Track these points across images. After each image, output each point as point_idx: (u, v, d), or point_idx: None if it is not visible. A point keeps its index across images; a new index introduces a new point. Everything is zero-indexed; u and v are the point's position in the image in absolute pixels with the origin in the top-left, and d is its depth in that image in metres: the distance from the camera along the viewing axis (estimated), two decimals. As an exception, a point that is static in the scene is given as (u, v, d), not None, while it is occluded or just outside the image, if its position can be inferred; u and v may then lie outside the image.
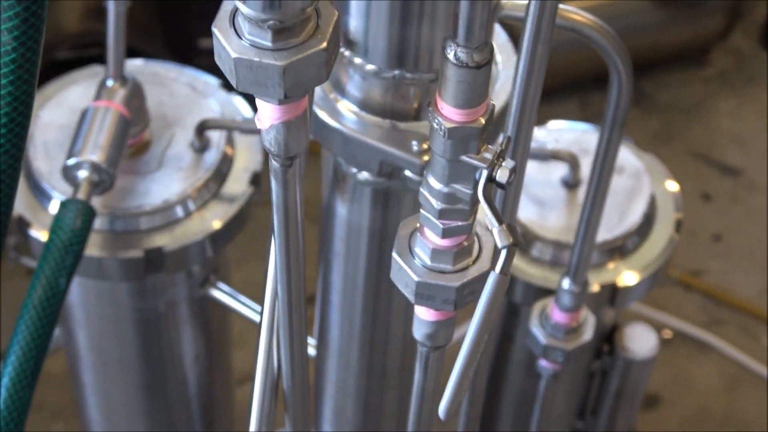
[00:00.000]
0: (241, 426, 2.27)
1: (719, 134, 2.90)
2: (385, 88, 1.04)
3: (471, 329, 0.78)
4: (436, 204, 0.79)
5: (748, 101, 2.98)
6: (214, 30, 0.71)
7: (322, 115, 1.04)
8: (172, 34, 2.68)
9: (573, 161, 1.35)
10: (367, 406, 1.35)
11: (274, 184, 0.80)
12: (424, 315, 0.88)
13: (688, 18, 2.86)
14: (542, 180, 1.36)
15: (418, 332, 0.89)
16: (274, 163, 0.79)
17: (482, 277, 0.83)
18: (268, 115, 0.75)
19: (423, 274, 0.82)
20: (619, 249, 1.35)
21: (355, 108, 1.06)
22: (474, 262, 0.83)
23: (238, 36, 0.70)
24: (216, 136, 1.40)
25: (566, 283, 1.24)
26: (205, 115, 1.40)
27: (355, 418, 1.36)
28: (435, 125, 0.75)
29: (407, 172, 1.05)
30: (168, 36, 2.68)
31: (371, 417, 1.36)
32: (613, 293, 1.35)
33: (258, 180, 1.41)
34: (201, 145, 1.38)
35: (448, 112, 0.75)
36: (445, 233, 0.81)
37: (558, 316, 1.26)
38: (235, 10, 0.71)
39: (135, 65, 1.45)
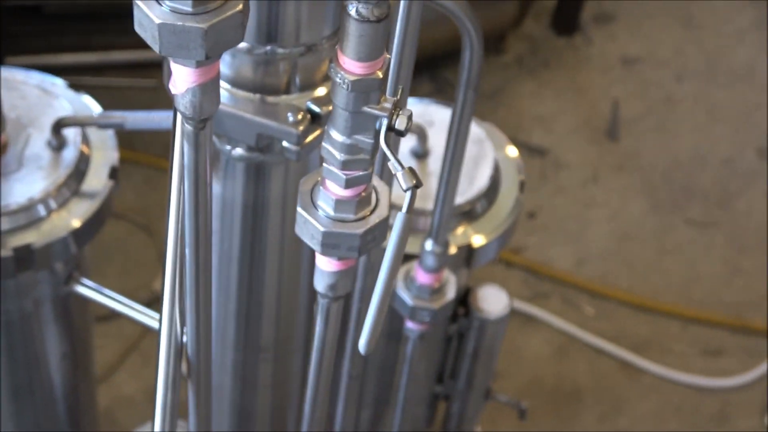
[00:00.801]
0: (107, 426, 2.28)
1: (523, 117, 3.03)
2: (255, 64, 1.10)
3: (384, 266, 0.84)
4: (339, 156, 0.85)
5: (545, 84, 3.12)
6: (137, 2, 0.75)
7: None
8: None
9: (421, 133, 1.42)
10: (245, 380, 1.40)
11: (186, 147, 0.85)
12: (326, 266, 0.93)
13: (483, 7, 2.98)
14: (392, 152, 1.43)
15: (320, 284, 0.95)
16: (187, 127, 0.83)
17: (382, 224, 0.89)
18: (184, 78, 0.79)
19: (328, 225, 0.88)
20: (470, 213, 1.43)
21: (227, 85, 1.11)
22: (373, 210, 0.90)
23: (159, 4, 0.75)
24: (72, 135, 1.42)
25: (429, 245, 1.31)
26: (57, 115, 1.42)
27: (234, 394, 1.40)
28: (338, 80, 0.81)
29: (285, 143, 1.11)
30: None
31: (248, 391, 1.41)
32: (468, 254, 1.42)
33: (116, 174, 1.44)
34: (58, 144, 1.41)
35: (350, 66, 0.81)
36: (348, 183, 0.87)
37: (422, 277, 1.33)
38: (152, -19, 0.75)
39: (-18, 71, 1.46)
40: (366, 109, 0.82)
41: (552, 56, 3.18)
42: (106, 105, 1.49)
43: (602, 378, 2.55)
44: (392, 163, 0.83)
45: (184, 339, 1.02)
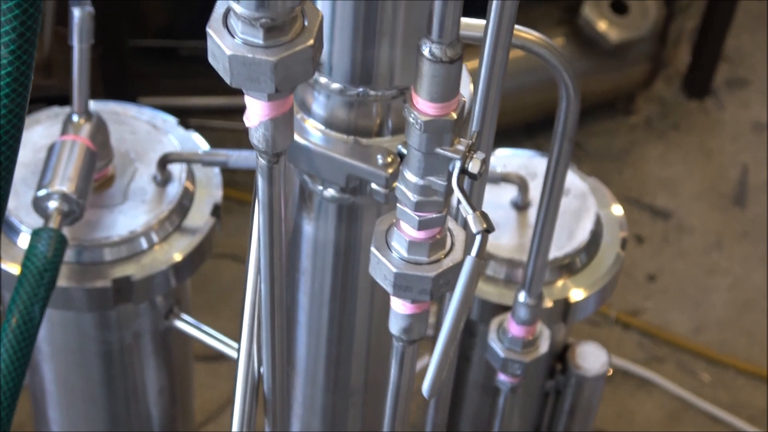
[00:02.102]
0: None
1: (648, 179, 2.99)
2: (348, 105, 1.10)
3: (451, 310, 0.83)
4: (413, 197, 0.85)
5: (673, 147, 3.08)
6: (209, 31, 0.76)
7: (298, 138, 1.09)
8: (112, 92, 2.73)
9: (522, 183, 1.41)
10: (334, 424, 1.40)
11: (260, 181, 0.85)
12: (400, 309, 0.93)
13: (613, 67, 2.96)
14: (493, 202, 1.42)
15: (395, 327, 0.94)
16: (261, 161, 0.84)
17: (456, 268, 0.89)
18: (257, 112, 0.80)
19: (400, 266, 0.88)
20: (568, 266, 1.41)
21: (320, 126, 1.11)
22: (447, 254, 0.89)
23: (231, 36, 0.76)
24: (177, 171, 1.44)
25: (522, 296, 1.30)
26: (165, 150, 1.45)
27: (322, 437, 1.40)
28: (411, 120, 0.81)
29: (374, 185, 1.10)
30: (108, 94, 2.74)
31: (336, 435, 1.40)
32: (565, 308, 1.41)
33: (218, 212, 1.46)
34: (163, 179, 1.43)
35: (424, 107, 0.81)
36: (421, 225, 0.86)
37: (515, 329, 1.32)
38: (227, 12, 0.76)
39: (95, 105, 1.50)
40: (439, 150, 0.82)
41: (682, 119, 3.14)
42: (229, 146, 1.51)
43: (713, 448, 2.50)
44: (464, 206, 0.83)
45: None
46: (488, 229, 0.83)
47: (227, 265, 2.43)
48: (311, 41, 0.76)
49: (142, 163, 1.45)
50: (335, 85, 1.08)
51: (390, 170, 1.10)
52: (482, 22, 0.94)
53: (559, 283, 1.42)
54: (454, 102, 0.81)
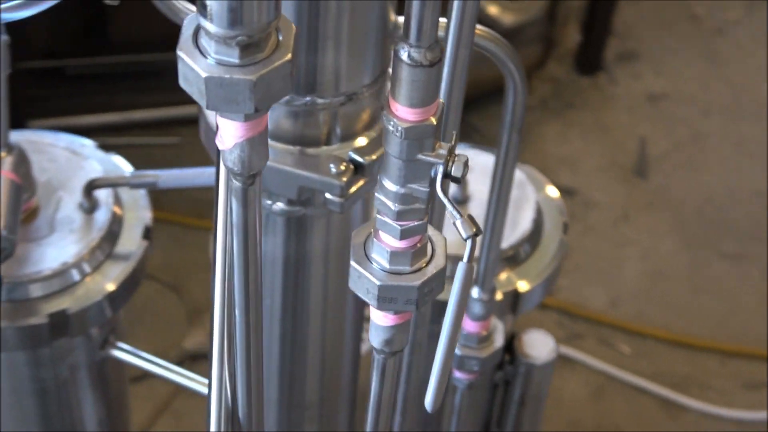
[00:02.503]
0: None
1: (549, 158, 3.00)
2: (294, 115, 1.07)
3: (447, 319, 0.80)
4: (394, 206, 0.82)
5: (571, 124, 3.09)
6: (180, 53, 0.72)
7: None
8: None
9: (461, 178, 1.39)
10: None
11: (234, 204, 0.82)
12: (381, 321, 0.90)
13: (505, 51, 2.96)
14: (432, 200, 1.40)
15: (376, 340, 0.91)
16: (236, 183, 0.80)
17: (440, 274, 0.86)
18: (232, 133, 0.76)
19: (383, 278, 0.85)
20: (514, 258, 1.40)
21: (271, 141, 1.08)
22: (429, 261, 0.86)
23: (203, 56, 0.72)
24: (103, 196, 1.39)
25: (475, 292, 1.28)
26: (88, 176, 1.40)
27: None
28: (391, 128, 0.78)
29: (328, 195, 1.08)
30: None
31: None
32: (514, 300, 1.39)
33: (149, 234, 1.41)
34: (90, 206, 1.38)
35: (403, 113, 0.78)
36: (403, 234, 0.83)
37: (470, 326, 1.30)
38: (197, 32, 0.73)
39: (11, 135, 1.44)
40: (421, 156, 0.80)
41: (576, 97, 3.15)
42: (131, 164, 1.46)
43: (643, 417, 2.51)
44: (450, 212, 0.81)
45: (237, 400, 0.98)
46: (477, 233, 0.80)
47: (147, 284, 2.37)
48: (289, 55, 0.72)
49: (65, 192, 1.40)
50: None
51: (344, 178, 1.07)
52: (442, 20, 0.92)
53: (504, 275, 1.40)
54: (434, 106, 0.78)
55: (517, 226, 1.40)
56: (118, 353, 1.46)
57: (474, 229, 0.80)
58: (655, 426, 2.49)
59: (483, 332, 1.31)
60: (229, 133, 0.77)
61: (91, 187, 1.37)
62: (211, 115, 1.08)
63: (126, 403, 1.63)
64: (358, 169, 1.08)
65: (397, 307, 0.86)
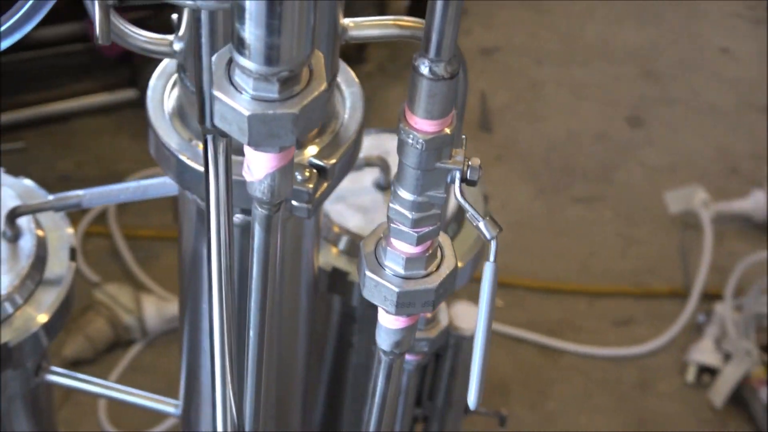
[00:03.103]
0: None
1: (395, 123, 3.04)
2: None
3: (481, 318, 0.83)
4: (411, 214, 0.84)
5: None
6: (217, 94, 0.72)
7: (193, 163, 1.06)
8: None
9: (384, 164, 1.41)
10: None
11: (258, 231, 0.83)
12: (393, 324, 0.92)
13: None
14: (356, 188, 1.41)
15: (386, 342, 0.93)
16: (261, 211, 0.81)
17: (452, 275, 0.89)
18: (264, 165, 0.77)
19: (400, 284, 0.87)
20: (441, 236, 1.43)
21: (224, 153, 1.08)
22: (440, 262, 0.89)
23: (238, 92, 0.73)
24: (24, 222, 1.37)
25: (421, 276, 1.30)
26: (6, 204, 1.37)
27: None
28: (410, 140, 0.80)
29: (295, 203, 1.08)
30: None
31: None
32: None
33: (75, 255, 1.39)
34: (14, 234, 1.35)
35: (423, 125, 0.80)
36: (419, 240, 0.85)
37: (417, 309, 1.32)
38: (229, 69, 0.73)
39: None
40: (439, 165, 0.82)
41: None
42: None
43: (524, 366, 2.58)
44: (472, 214, 0.83)
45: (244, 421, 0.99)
46: (500, 232, 0.83)
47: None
48: (324, 84, 0.73)
49: (-17, 223, 1.37)
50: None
51: (310, 185, 1.08)
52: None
53: (437, 253, 1.43)
54: (451, 116, 0.80)
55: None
56: (52, 377, 1.44)
57: (497, 230, 0.82)
58: (538, 372, 2.57)
59: (428, 314, 1.34)
60: (260, 165, 0.77)
61: (14, 215, 1.34)
62: (167, 132, 1.07)
63: (56, 424, 1.60)
64: (320, 174, 1.09)
65: (415, 311, 0.88)
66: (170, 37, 1.04)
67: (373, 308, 1.45)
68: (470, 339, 1.53)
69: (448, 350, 1.54)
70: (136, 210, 2.70)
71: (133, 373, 2.46)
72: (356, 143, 1.10)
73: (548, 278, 2.74)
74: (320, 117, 0.74)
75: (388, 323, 0.92)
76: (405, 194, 0.83)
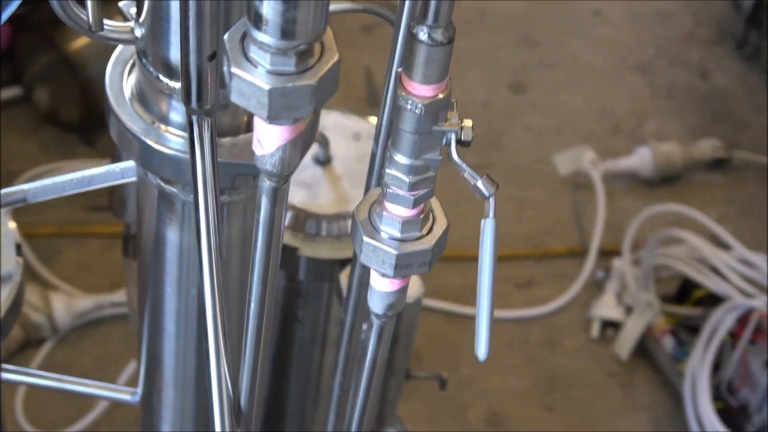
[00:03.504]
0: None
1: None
2: (222, 108, 1.09)
3: (486, 274, 0.86)
4: (408, 178, 0.87)
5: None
6: (235, 71, 0.74)
7: (160, 147, 1.07)
8: None
9: (323, 140, 1.44)
10: (207, 425, 1.38)
11: (265, 203, 0.85)
12: (387, 288, 0.95)
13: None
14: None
15: (379, 306, 0.96)
16: (269, 184, 0.83)
17: (445, 234, 0.92)
18: (276, 137, 0.79)
19: (398, 247, 0.90)
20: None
21: (183, 133, 1.09)
22: (433, 222, 0.92)
23: (254, 67, 0.75)
24: (-34, 221, 1.36)
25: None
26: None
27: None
28: (409, 106, 0.83)
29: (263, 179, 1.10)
30: None
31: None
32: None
33: (21, 250, 1.39)
34: (-42, 234, 1.35)
35: (422, 91, 0.82)
36: (416, 203, 0.89)
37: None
38: (243, 45, 0.75)
39: None
40: (436, 128, 0.85)
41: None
42: None
43: (433, 334, 2.63)
44: (468, 174, 0.86)
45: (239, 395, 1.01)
46: (497, 189, 0.86)
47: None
48: (337, 55, 0.76)
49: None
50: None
51: (279, 160, 1.10)
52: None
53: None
54: (447, 79, 0.83)
55: (383, 175, 1.45)
56: (7, 375, 1.43)
57: (495, 188, 0.85)
58: (447, 339, 2.62)
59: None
60: (272, 138, 0.80)
61: (-42, 215, 1.34)
62: (130, 117, 1.08)
63: (5, 423, 1.60)
64: (286, 149, 1.11)
65: (412, 271, 0.92)
66: (130, 23, 1.05)
67: (319, 282, 1.48)
68: (412, 305, 1.56)
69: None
70: (30, 207, 2.67)
71: (48, 371, 2.43)
72: (315, 118, 1.12)
73: (449, 246, 2.78)
74: (334, 88, 0.77)
75: (382, 287, 0.95)
76: (402, 159, 0.86)
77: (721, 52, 3.38)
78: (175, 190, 1.15)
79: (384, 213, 0.90)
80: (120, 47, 1.14)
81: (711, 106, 3.21)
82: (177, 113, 1.09)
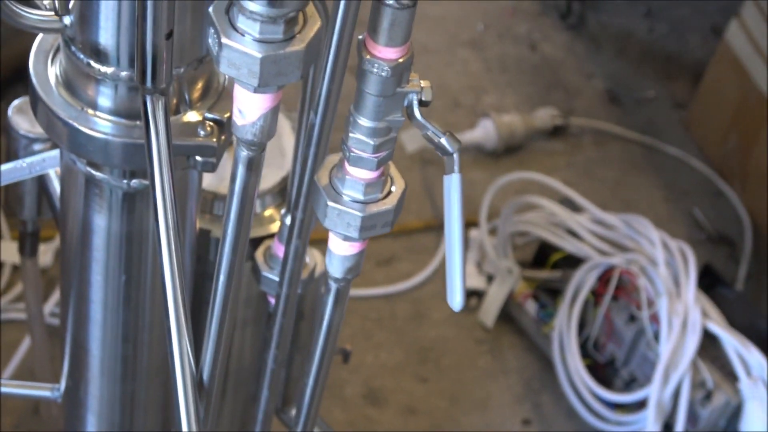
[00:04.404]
0: None
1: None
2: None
3: (455, 227, 0.90)
4: (372, 140, 0.90)
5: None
6: (226, 41, 0.76)
7: (90, 131, 1.08)
8: None
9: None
10: (133, 410, 1.39)
11: (242, 172, 0.87)
12: (347, 251, 0.98)
13: None
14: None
15: (339, 269, 0.99)
16: (247, 153, 0.85)
17: (403, 194, 0.95)
18: (259, 106, 0.82)
19: (362, 209, 0.93)
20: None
21: (121, 120, 1.10)
22: (392, 183, 0.95)
23: (241, 35, 0.77)
24: None
25: (288, 218, 1.35)
26: None
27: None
28: (375, 69, 0.86)
29: (199, 158, 1.12)
30: None
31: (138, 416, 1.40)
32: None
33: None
34: None
35: (388, 54, 0.86)
36: (378, 164, 0.92)
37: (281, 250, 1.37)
38: (230, 17, 0.77)
39: None
40: (399, 89, 0.88)
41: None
42: None
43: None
44: (433, 131, 0.90)
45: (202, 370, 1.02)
46: (460, 144, 0.90)
47: None
48: (319, 21, 0.79)
49: None
50: (125, 73, 1.07)
51: (214, 139, 1.11)
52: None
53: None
54: (410, 41, 0.86)
55: (287, 154, 1.48)
56: None
57: (459, 143, 0.89)
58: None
59: (294, 256, 1.39)
60: (254, 107, 0.82)
61: None
62: (58, 105, 1.09)
63: None
64: (219, 128, 1.13)
65: (375, 232, 0.95)
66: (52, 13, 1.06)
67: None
68: (316, 280, 1.59)
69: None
70: None
71: None
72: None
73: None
74: (317, 53, 0.79)
75: (343, 250, 0.98)
76: (365, 122, 0.89)
77: (546, 23, 3.49)
78: (104, 175, 1.16)
79: (347, 177, 0.92)
80: (40, 37, 1.14)
81: (543, 75, 3.31)
82: (105, 98, 1.10)
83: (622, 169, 3.07)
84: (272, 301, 1.44)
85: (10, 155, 1.50)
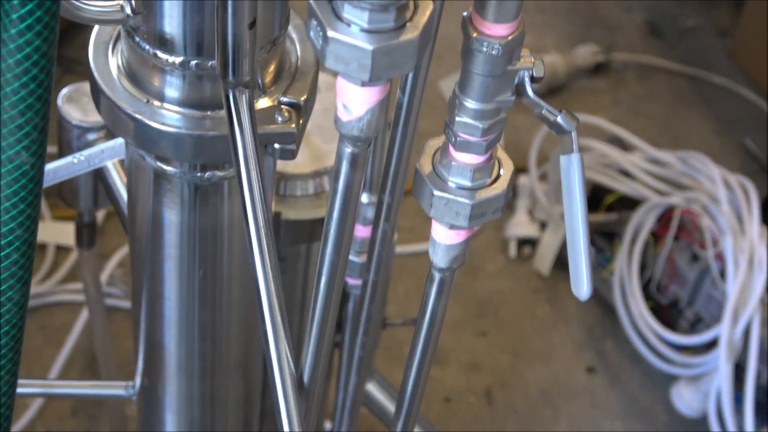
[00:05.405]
0: None
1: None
2: (214, 80, 1.03)
3: (577, 210, 0.83)
4: (481, 123, 0.83)
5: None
6: (333, 35, 0.69)
7: (157, 125, 1.01)
8: None
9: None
10: (213, 405, 1.34)
11: (346, 170, 0.80)
12: (452, 240, 0.91)
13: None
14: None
15: (444, 259, 0.93)
16: (351, 149, 0.79)
17: (512, 177, 0.89)
18: (366, 99, 0.75)
19: (472, 197, 0.86)
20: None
21: (195, 112, 1.03)
22: (500, 167, 0.88)
23: (348, 26, 0.70)
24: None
25: (365, 198, 1.29)
26: None
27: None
28: (485, 48, 0.79)
29: (277, 145, 1.05)
30: None
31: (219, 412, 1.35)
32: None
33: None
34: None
35: (498, 31, 0.78)
36: (487, 148, 0.85)
37: (363, 231, 1.31)
38: (336, 9, 0.70)
39: None
40: (510, 68, 0.81)
41: None
42: None
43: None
44: (548, 110, 0.83)
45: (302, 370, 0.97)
46: (578, 122, 0.83)
47: None
48: (432, 5, 0.71)
49: None
50: (195, 62, 1.00)
51: (293, 124, 1.05)
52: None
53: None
54: (521, 15, 0.79)
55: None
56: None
57: (575, 121, 0.82)
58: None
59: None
60: (361, 101, 0.75)
61: None
62: (122, 97, 1.02)
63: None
64: (297, 113, 1.06)
65: (485, 220, 0.88)
66: (116, 2, 0.99)
67: (296, 245, 1.43)
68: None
69: (367, 269, 1.54)
70: None
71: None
72: (317, 73, 1.08)
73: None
74: (430, 39, 0.72)
75: (447, 239, 0.91)
76: (473, 104, 0.82)
77: (579, -43, 3.40)
78: (174, 169, 1.09)
79: (453, 163, 0.86)
80: (96, 28, 1.07)
81: (581, 13, 3.22)
82: (173, 88, 1.03)
83: (668, 103, 2.99)
84: (350, 281, 1.38)
85: (63, 146, 1.43)
